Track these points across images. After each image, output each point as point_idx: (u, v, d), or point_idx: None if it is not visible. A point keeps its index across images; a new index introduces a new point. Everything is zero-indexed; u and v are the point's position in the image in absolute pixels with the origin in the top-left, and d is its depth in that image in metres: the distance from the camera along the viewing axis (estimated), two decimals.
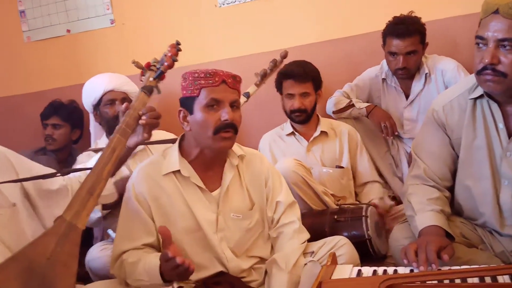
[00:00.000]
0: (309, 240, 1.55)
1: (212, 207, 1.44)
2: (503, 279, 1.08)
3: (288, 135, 2.28)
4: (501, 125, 1.38)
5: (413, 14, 2.22)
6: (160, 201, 1.43)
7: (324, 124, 2.26)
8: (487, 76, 1.29)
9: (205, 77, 1.38)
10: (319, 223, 1.85)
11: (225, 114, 1.37)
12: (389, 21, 2.23)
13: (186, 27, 2.73)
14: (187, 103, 1.42)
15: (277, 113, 2.40)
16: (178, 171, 1.43)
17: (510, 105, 1.36)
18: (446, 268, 1.18)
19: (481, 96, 1.40)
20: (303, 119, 2.19)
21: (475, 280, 1.10)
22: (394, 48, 2.19)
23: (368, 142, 2.37)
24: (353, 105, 2.38)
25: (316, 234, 1.63)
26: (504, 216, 1.40)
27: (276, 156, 2.26)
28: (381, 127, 2.29)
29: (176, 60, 1.73)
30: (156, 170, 1.45)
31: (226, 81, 1.38)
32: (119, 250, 1.41)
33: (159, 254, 1.33)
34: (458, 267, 1.18)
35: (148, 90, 1.65)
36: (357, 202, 2.18)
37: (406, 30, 2.14)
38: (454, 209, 1.53)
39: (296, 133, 2.26)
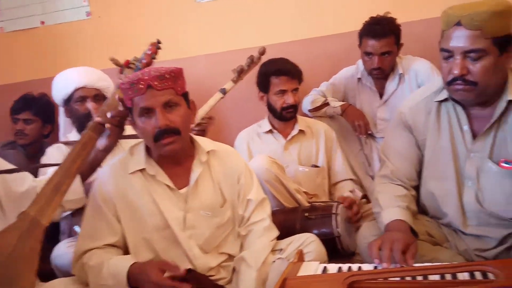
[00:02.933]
0: (280, 237, 1.56)
1: (180, 204, 1.43)
2: (462, 276, 1.11)
3: (265, 132, 2.28)
4: (465, 127, 1.41)
5: (389, 15, 2.25)
6: (127, 199, 1.41)
7: (302, 123, 2.27)
8: (458, 86, 1.32)
9: (131, 87, 1.34)
10: (290, 220, 1.86)
11: (156, 121, 1.32)
12: (365, 21, 2.25)
13: (164, 22, 2.71)
14: (130, 113, 1.40)
15: (254, 110, 2.41)
16: (145, 169, 1.42)
17: (474, 107, 1.39)
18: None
19: (446, 99, 1.43)
20: (294, 115, 2.20)
21: (436, 277, 1.13)
22: (370, 48, 2.21)
23: (342, 140, 2.40)
24: (328, 104, 2.40)
25: (287, 231, 1.64)
26: (467, 216, 1.43)
27: (252, 153, 2.26)
28: (354, 126, 2.31)
29: (155, 58, 1.72)
30: (123, 168, 1.43)
31: (152, 85, 1.32)
32: (81, 249, 1.40)
33: (125, 257, 1.33)
34: (420, 264, 1.20)
35: None
36: (334, 200, 2.20)
37: (382, 31, 2.16)
38: (420, 208, 1.56)
39: (274, 130, 2.26)
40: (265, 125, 2.28)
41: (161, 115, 1.32)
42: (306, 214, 1.86)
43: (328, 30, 2.61)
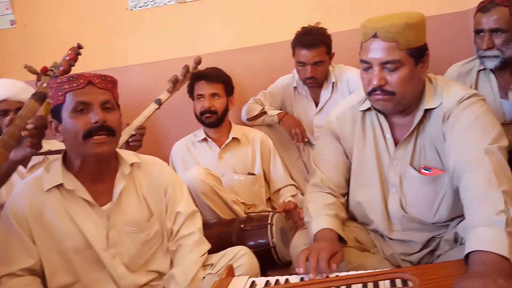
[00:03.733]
0: (218, 251, 1.53)
1: (102, 221, 1.36)
2: (384, 284, 1.13)
3: (200, 141, 2.26)
4: (388, 135, 1.45)
5: (320, 25, 2.29)
6: (42, 219, 1.33)
7: (237, 131, 2.26)
8: (377, 96, 1.35)
9: (69, 81, 1.30)
10: (226, 232, 1.85)
11: (94, 115, 1.28)
12: (297, 31, 2.29)
13: (95, 31, 2.63)
14: (56, 112, 1.33)
15: (191, 121, 2.38)
16: (62, 185, 1.34)
17: (396, 116, 1.43)
18: (334, 275, 1.21)
19: (369, 108, 1.46)
20: (213, 121, 2.18)
21: (359, 286, 1.14)
22: (302, 58, 2.25)
23: (280, 148, 2.42)
24: (265, 113, 2.42)
25: (223, 244, 1.62)
26: (392, 222, 1.46)
27: (188, 164, 2.23)
28: (291, 134, 2.34)
29: (73, 65, 1.64)
30: (38, 186, 1.35)
31: (93, 82, 1.31)
32: None
33: None
34: (345, 273, 1.21)
35: (39, 97, 1.55)
36: (268, 209, 2.20)
37: (313, 41, 2.20)
38: (350, 215, 1.59)
39: (208, 139, 2.24)
40: (200, 134, 2.27)
41: (100, 110, 1.29)
42: (242, 226, 1.85)
43: (264, 39, 2.64)
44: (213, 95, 2.15)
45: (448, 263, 1.14)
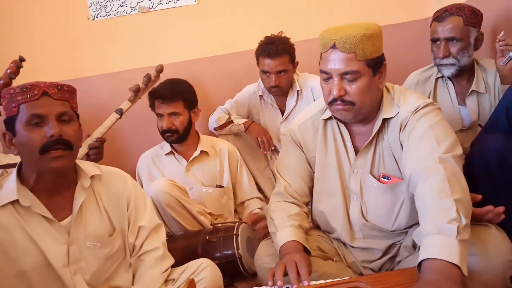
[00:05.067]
0: (183, 263, 1.49)
1: (62, 237, 1.31)
2: None
3: (166, 154, 2.23)
4: (349, 143, 1.47)
5: (282, 35, 2.31)
6: None
7: (205, 143, 2.24)
8: (338, 106, 1.37)
9: (22, 92, 1.24)
10: (192, 245, 1.82)
11: (50, 129, 1.23)
12: (260, 41, 2.30)
13: (56, 41, 2.57)
14: (9, 124, 1.27)
15: (156, 130, 2.35)
16: (17, 201, 1.28)
17: (356, 125, 1.46)
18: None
19: (330, 117, 1.48)
20: (175, 139, 2.16)
21: None
22: (266, 67, 2.26)
23: (248, 157, 2.42)
24: (232, 121, 2.41)
25: (188, 257, 1.58)
26: (354, 230, 1.48)
27: (154, 176, 2.19)
28: (258, 143, 2.34)
29: (13, 78, 1.60)
30: None
31: (48, 93, 1.25)
32: None
33: None
34: (306, 283, 1.22)
35: None
36: (236, 220, 2.19)
37: (276, 50, 2.22)
38: (314, 223, 1.60)
39: (174, 152, 2.22)
40: (166, 147, 2.23)
41: (56, 124, 1.24)
42: (208, 238, 1.83)
43: (229, 48, 2.64)
44: (171, 114, 2.12)
45: (403, 271, 1.16)
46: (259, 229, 2.03)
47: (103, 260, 1.36)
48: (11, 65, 1.55)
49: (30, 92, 1.24)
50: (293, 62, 2.31)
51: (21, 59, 1.56)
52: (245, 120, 2.42)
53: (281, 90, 2.34)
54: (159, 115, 2.14)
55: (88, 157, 1.89)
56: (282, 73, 2.27)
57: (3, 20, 2.54)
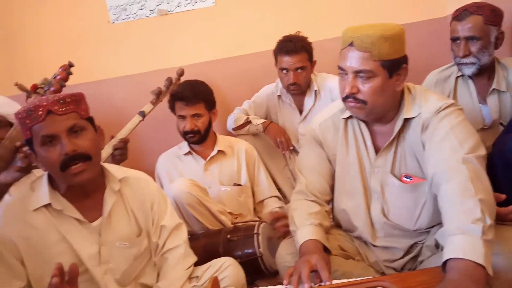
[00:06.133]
0: (204, 262, 1.53)
1: (93, 238, 1.35)
2: None
3: (185, 154, 2.26)
4: (369, 142, 1.47)
5: (300, 34, 2.32)
6: (31, 240, 1.31)
7: (222, 142, 2.27)
8: (350, 104, 1.38)
9: (28, 115, 1.24)
10: (213, 243, 1.85)
11: (62, 147, 1.23)
12: (279, 40, 2.32)
13: (77, 44, 2.62)
14: (30, 146, 1.30)
15: (176, 132, 2.38)
16: (50, 204, 1.32)
17: (376, 124, 1.46)
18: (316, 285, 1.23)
19: (351, 116, 1.49)
20: (197, 140, 2.18)
21: None
22: (285, 64, 2.28)
23: (266, 157, 2.43)
24: (250, 122, 2.43)
25: (210, 255, 1.61)
26: (375, 229, 1.49)
27: (173, 176, 2.23)
28: (276, 143, 2.35)
29: (64, 85, 1.60)
30: (23, 206, 1.33)
31: (53, 110, 1.24)
32: None
33: None
34: (327, 282, 1.23)
35: None
36: (256, 219, 2.21)
37: (294, 47, 2.24)
38: (335, 222, 1.61)
39: (193, 152, 2.25)
40: (185, 147, 2.27)
41: (67, 140, 1.24)
42: (229, 236, 1.85)
43: (246, 49, 2.66)
44: (194, 115, 2.15)
45: (427, 270, 1.17)
46: (279, 227, 2.05)
47: (131, 259, 1.40)
48: (60, 70, 1.53)
49: (35, 114, 1.24)
50: (311, 60, 2.32)
51: (70, 65, 1.55)
52: (263, 120, 2.43)
53: (299, 88, 2.35)
54: (181, 117, 2.17)
55: (113, 157, 1.94)
56: (300, 70, 2.29)
57: (29, 24, 2.61)
